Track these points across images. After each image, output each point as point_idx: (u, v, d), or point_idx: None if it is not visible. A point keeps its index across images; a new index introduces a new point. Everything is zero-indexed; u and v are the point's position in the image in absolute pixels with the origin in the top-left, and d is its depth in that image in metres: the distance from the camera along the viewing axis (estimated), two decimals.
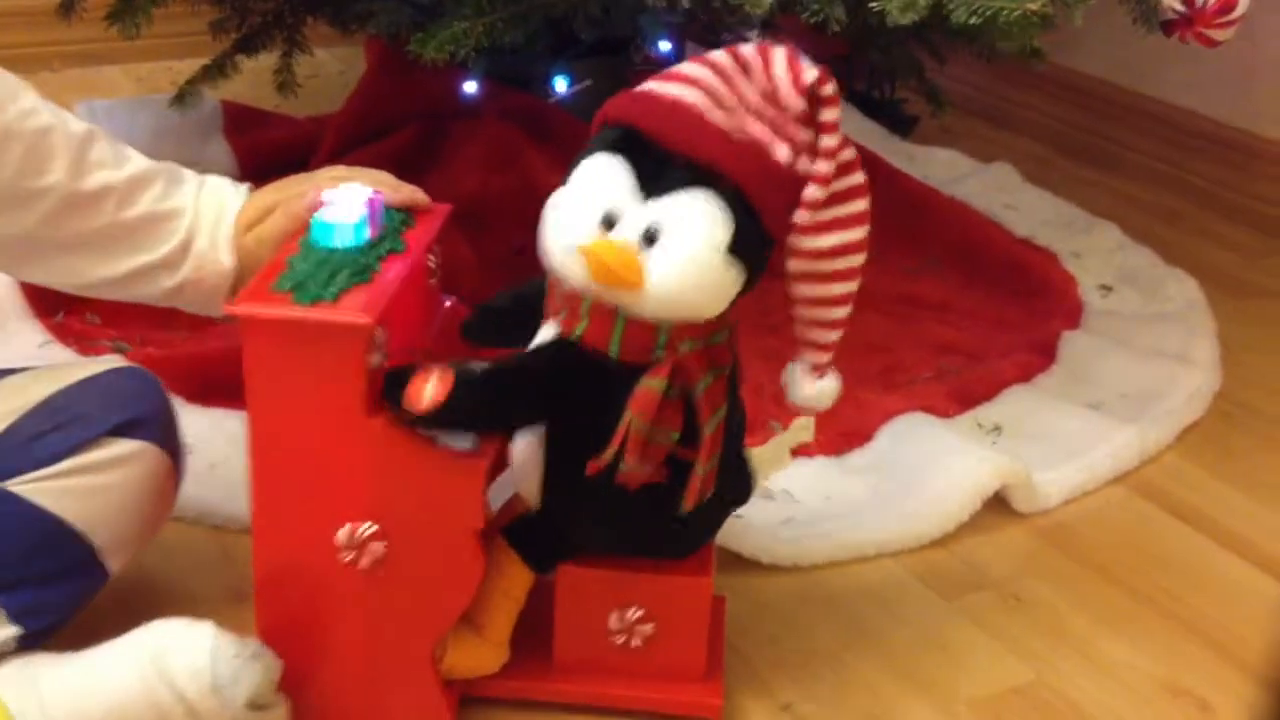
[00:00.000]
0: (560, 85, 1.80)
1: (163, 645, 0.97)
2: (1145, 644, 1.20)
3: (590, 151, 0.95)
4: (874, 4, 1.26)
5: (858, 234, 0.96)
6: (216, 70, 1.79)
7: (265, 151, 1.96)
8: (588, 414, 0.96)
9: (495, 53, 1.53)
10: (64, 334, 1.54)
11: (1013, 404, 1.53)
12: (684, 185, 0.91)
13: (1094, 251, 1.91)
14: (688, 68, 0.95)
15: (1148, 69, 2.30)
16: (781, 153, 0.93)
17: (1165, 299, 1.80)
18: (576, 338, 0.95)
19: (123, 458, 1.04)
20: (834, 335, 1.00)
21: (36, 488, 1.01)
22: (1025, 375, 1.59)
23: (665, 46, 1.63)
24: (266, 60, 1.88)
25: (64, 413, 1.03)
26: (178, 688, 0.96)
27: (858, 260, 0.97)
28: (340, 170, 1.11)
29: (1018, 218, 2.00)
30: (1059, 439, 1.46)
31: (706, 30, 1.71)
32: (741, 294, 0.95)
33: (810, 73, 0.92)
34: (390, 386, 0.95)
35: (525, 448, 1.00)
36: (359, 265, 0.96)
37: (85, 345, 1.52)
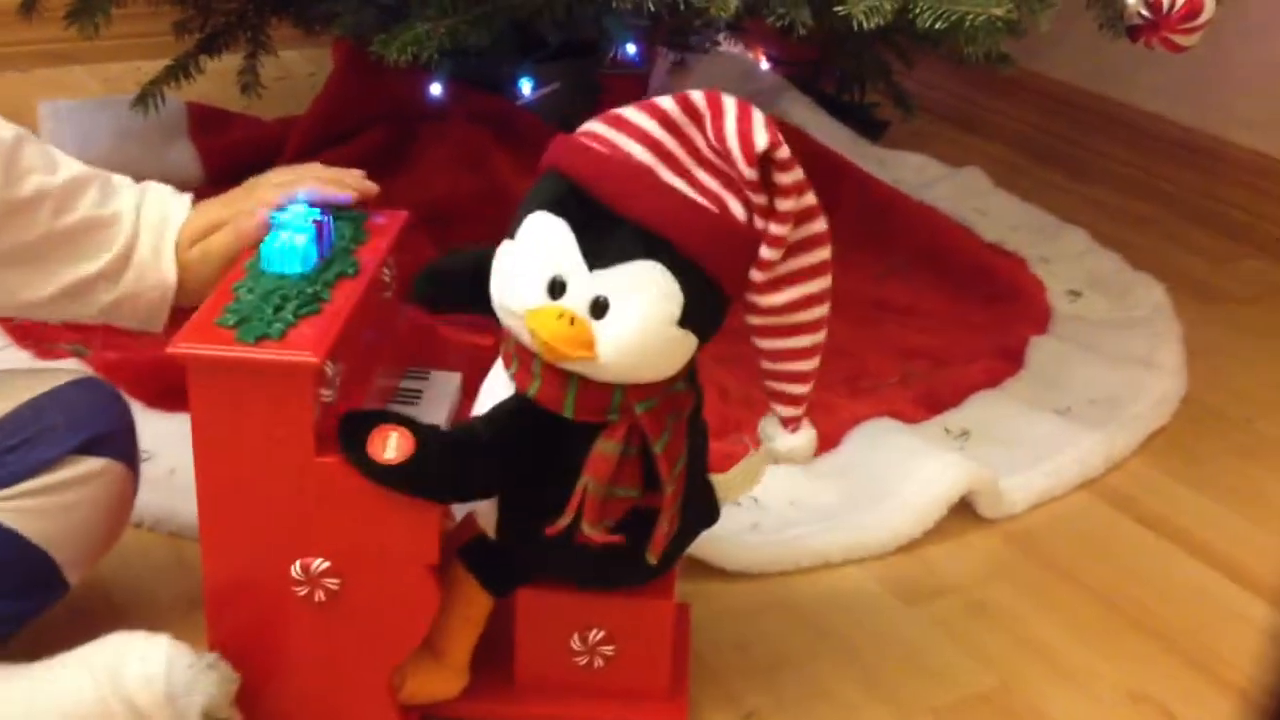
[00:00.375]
0: (526, 88, 1.79)
1: (117, 655, 0.96)
2: (1111, 651, 1.20)
3: (535, 204, 0.91)
4: (839, 8, 1.26)
5: (818, 285, 0.93)
6: (179, 71, 1.77)
7: (230, 153, 1.94)
8: (545, 471, 0.94)
9: (462, 55, 1.53)
10: (22, 336, 1.52)
11: (980, 409, 1.53)
12: (632, 255, 0.88)
13: (1062, 256, 1.92)
14: (637, 118, 0.90)
15: (1116, 75, 2.31)
16: (736, 209, 0.89)
17: (1133, 304, 1.80)
18: (531, 397, 0.93)
19: (87, 476, 1.03)
20: (802, 388, 0.98)
21: (1, 506, 1.00)
22: (993, 380, 1.59)
23: (631, 49, 1.62)
24: (235, 62, 1.87)
25: (27, 429, 1.02)
26: (130, 698, 0.95)
27: (820, 311, 0.95)
28: (285, 174, 1.07)
29: (987, 223, 2.00)
30: (1026, 444, 1.46)
31: (673, 34, 1.71)
32: (698, 351, 0.93)
33: (761, 138, 0.87)
34: (346, 436, 0.92)
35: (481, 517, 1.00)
36: (307, 295, 0.94)
37: (44, 349, 1.50)
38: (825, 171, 1.86)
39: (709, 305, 0.90)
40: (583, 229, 0.89)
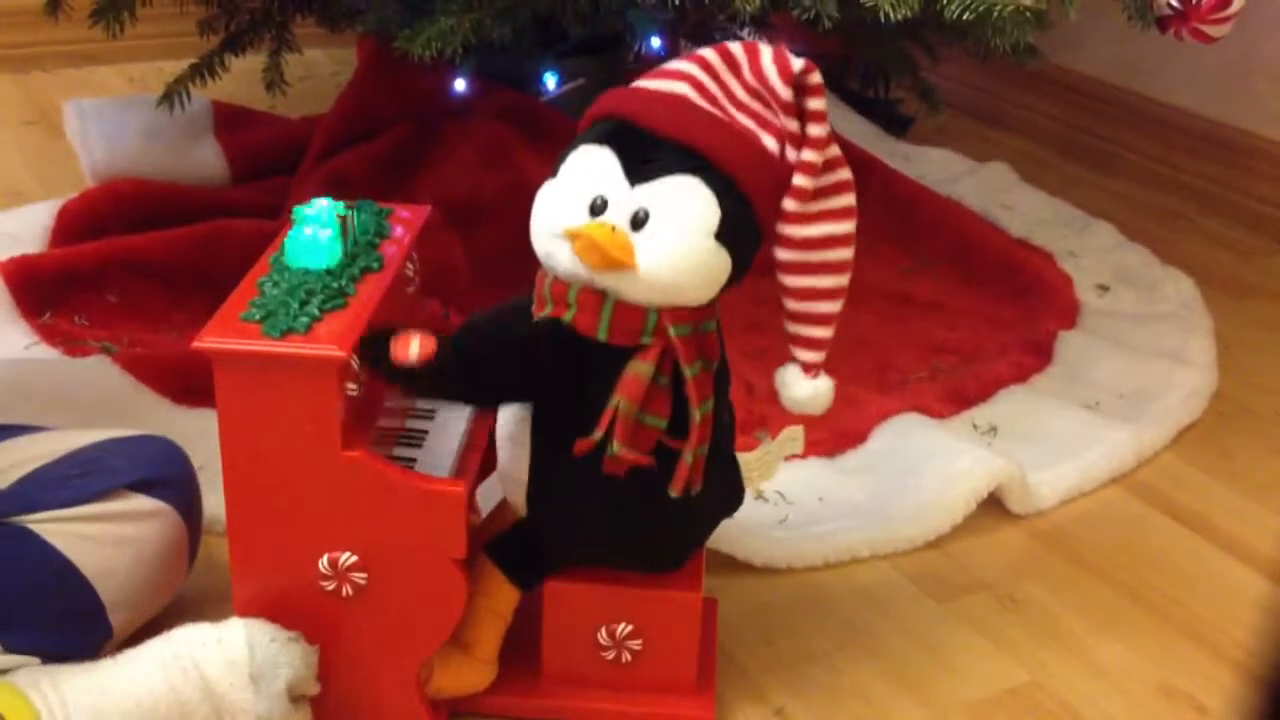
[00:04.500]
0: (551, 83, 1.79)
1: (190, 645, 0.96)
2: (1140, 646, 1.19)
3: (578, 143, 0.95)
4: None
5: (846, 226, 0.96)
6: (204, 69, 1.78)
7: (256, 151, 1.94)
8: (575, 396, 0.95)
9: (486, 51, 1.52)
10: (51, 335, 1.52)
11: (1008, 404, 1.52)
12: (673, 170, 0.91)
13: (1090, 251, 1.90)
14: (675, 63, 0.95)
15: (1144, 68, 2.29)
16: (769, 142, 0.93)
17: (1162, 299, 1.79)
18: (566, 322, 0.94)
19: (140, 512, 1.04)
20: (825, 331, 0.99)
21: (53, 528, 1.00)
22: (1021, 375, 1.58)
23: (656, 44, 1.62)
24: (259, 60, 1.87)
25: (92, 463, 1.05)
26: (210, 685, 0.94)
27: (846, 253, 0.97)
28: None
29: (1014, 217, 1.99)
30: (1054, 439, 1.45)
31: (698, 27, 1.70)
32: (730, 284, 0.95)
33: (797, 63, 0.92)
34: (370, 347, 0.93)
35: (512, 448, 0.99)
36: (332, 290, 0.95)
37: (72, 346, 1.50)
38: (851, 167, 1.85)
39: (744, 225, 0.93)
40: (625, 153, 0.92)
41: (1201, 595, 1.26)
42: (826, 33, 1.36)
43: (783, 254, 0.97)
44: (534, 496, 1.00)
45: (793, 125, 0.93)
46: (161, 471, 1.07)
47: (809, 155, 0.93)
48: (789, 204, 0.94)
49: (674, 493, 0.96)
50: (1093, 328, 1.69)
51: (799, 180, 0.93)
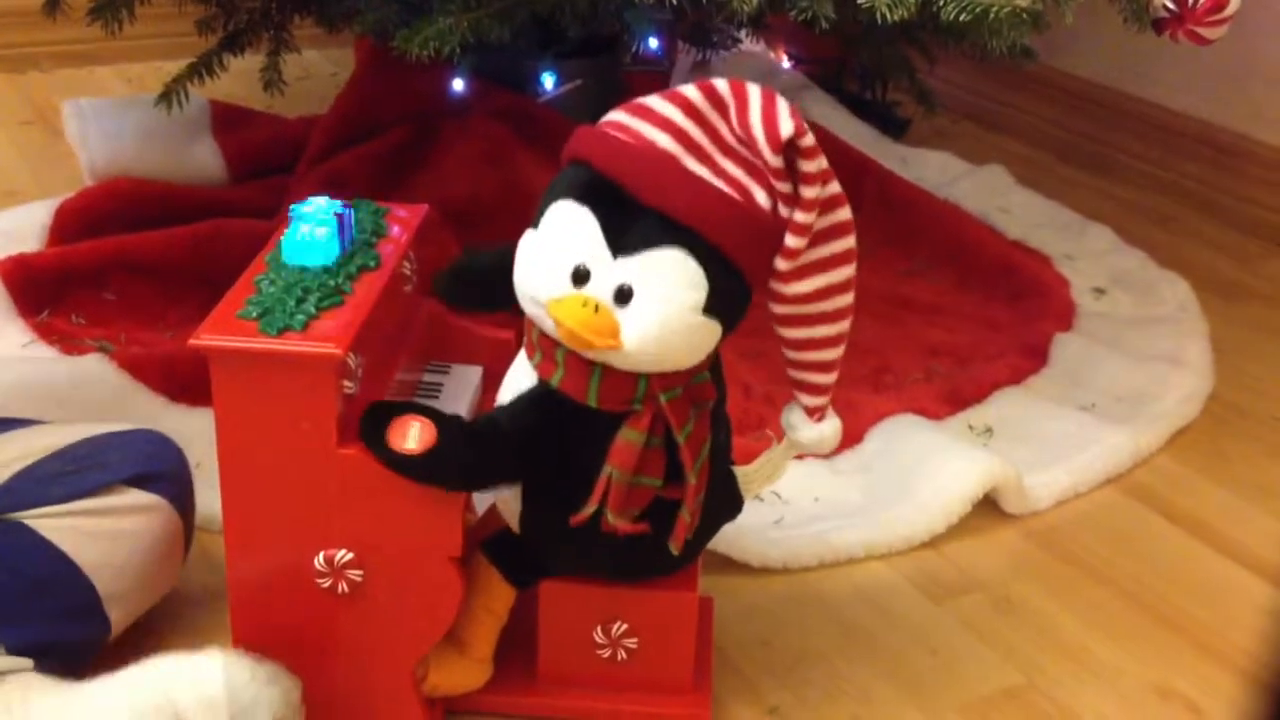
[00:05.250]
0: (549, 84, 1.79)
1: (166, 680, 0.93)
2: (1136, 647, 1.19)
3: (558, 194, 0.91)
4: (863, 1, 1.25)
5: (842, 274, 0.93)
6: (203, 69, 1.78)
7: (254, 151, 1.94)
8: (568, 461, 0.94)
9: (484, 51, 1.53)
10: (48, 333, 1.52)
11: (1004, 406, 1.52)
12: (656, 243, 0.87)
13: (1086, 254, 1.91)
14: (660, 106, 0.90)
15: (1140, 71, 2.30)
16: (760, 197, 0.89)
17: (1158, 301, 1.79)
18: (554, 386, 0.93)
19: (136, 507, 1.05)
20: (827, 378, 0.98)
21: (50, 523, 1.01)
22: (1017, 377, 1.58)
23: (654, 44, 1.62)
24: (257, 60, 1.87)
25: (86, 459, 1.05)
26: None
27: (844, 300, 0.94)
28: None
29: (1010, 220, 2.00)
30: (1050, 441, 1.45)
31: (695, 28, 1.70)
32: (722, 340, 0.93)
33: (786, 125, 0.87)
34: (367, 426, 0.92)
35: (503, 509, 1.00)
36: (329, 288, 0.94)
37: (69, 345, 1.50)
38: (847, 169, 1.86)
39: (733, 293, 0.90)
40: (607, 217, 0.88)
41: (1197, 597, 1.26)
42: (823, 34, 1.36)
43: (778, 309, 0.94)
44: (528, 531, 1.00)
45: (784, 187, 0.89)
46: (157, 466, 1.08)
47: (800, 216, 0.88)
48: (781, 264, 0.90)
49: (674, 549, 0.96)
50: (1089, 330, 1.70)
51: (790, 241, 0.89)
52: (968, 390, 1.54)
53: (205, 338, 0.91)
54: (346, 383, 0.92)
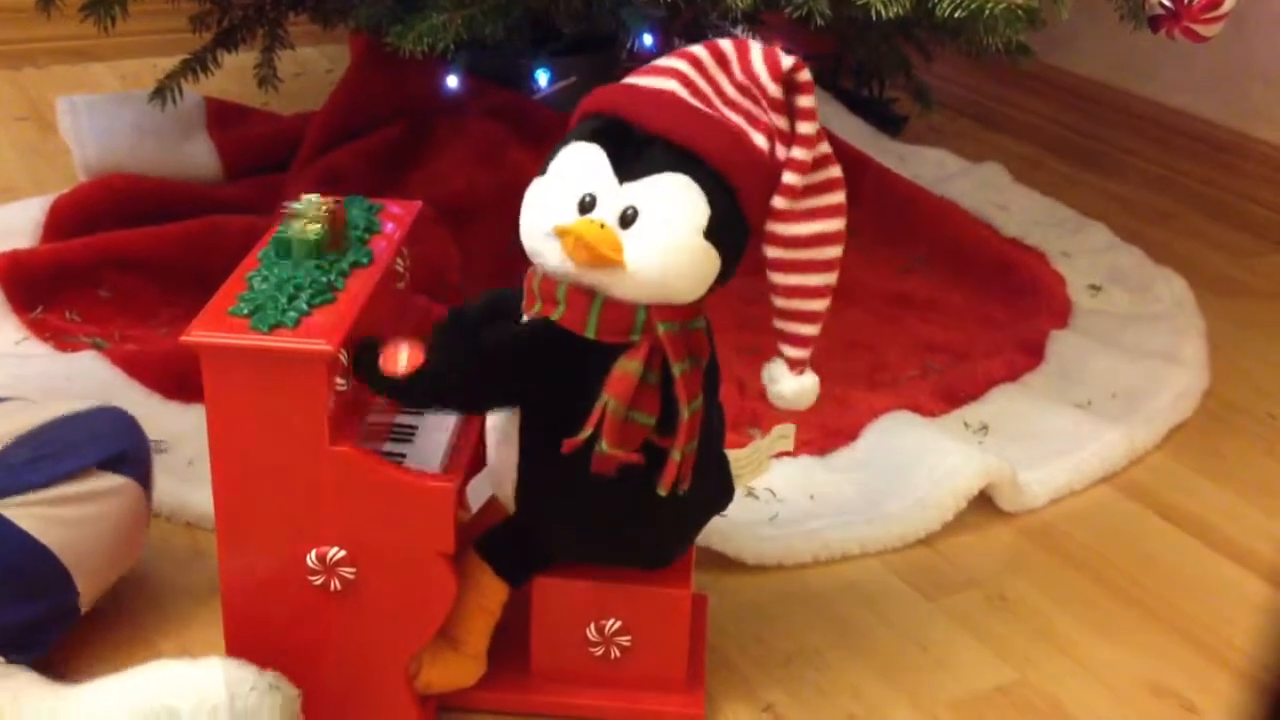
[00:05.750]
0: (543, 81, 1.79)
1: (167, 686, 0.93)
2: (1130, 644, 1.19)
3: (568, 140, 0.95)
4: None
5: (835, 224, 0.96)
6: (197, 66, 1.77)
7: (248, 148, 1.94)
8: (564, 395, 0.95)
9: (479, 49, 1.52)
10: (41, 330, 1.52)
11: (1000, 403, 1.52)
12: (662, 168, 0.91)
13: (1083, 251, 1.90)
14: (665, 60, 0.95)
15: (1138, 69, 2.29)
16: (759, 140, 0.93)
17: (1154, 299, 1.79)
18: (554, 320, 0.94)
19: (108, 491, 1.06)
20: (812, 329, 0.99)
21: (23, 512, 1.02)
22: (1013, 374, 1.58)
23: (649, 41, 1.62)
24: (252, 57, 1.87)
25: (53, 443, 1.06)
26: None
27: (835, 251, 0.97)
28: None
29: (1007, 217, 2.00)
30: (1046, 438, 1.45)
31: (690, 25, 1.70)
32: (719, 283, 0.95)
33: (787, 60, 0.92)
34: (360, 356, 0.94)
35: (501, 445, 0.99)
36: (321, 284, 0.94)
37: (63, 341, 1.50)
38: (845, 166, 1.85)
39: (733, 223, 0.93)
40: (614, 150, 0.93)
41: (1191, 594, 1.26)
42: (819, 31, 1.36)
43: (772, 251, 0.96)
44: (523, 493, 1.00)
45: (782, 122, 0.93)
46: (124, 447, 1.09)
47: (798, 153, 0.93)
48: (778, 202, 0.94)
49: (661, 491, 0.96)
50: (1085, 327, 1.69)
51: (788, 178, 0.93)
52: (963, 387, 1.54)
53: (197, 334, 0.91)
54: (338, 379, 0.92)
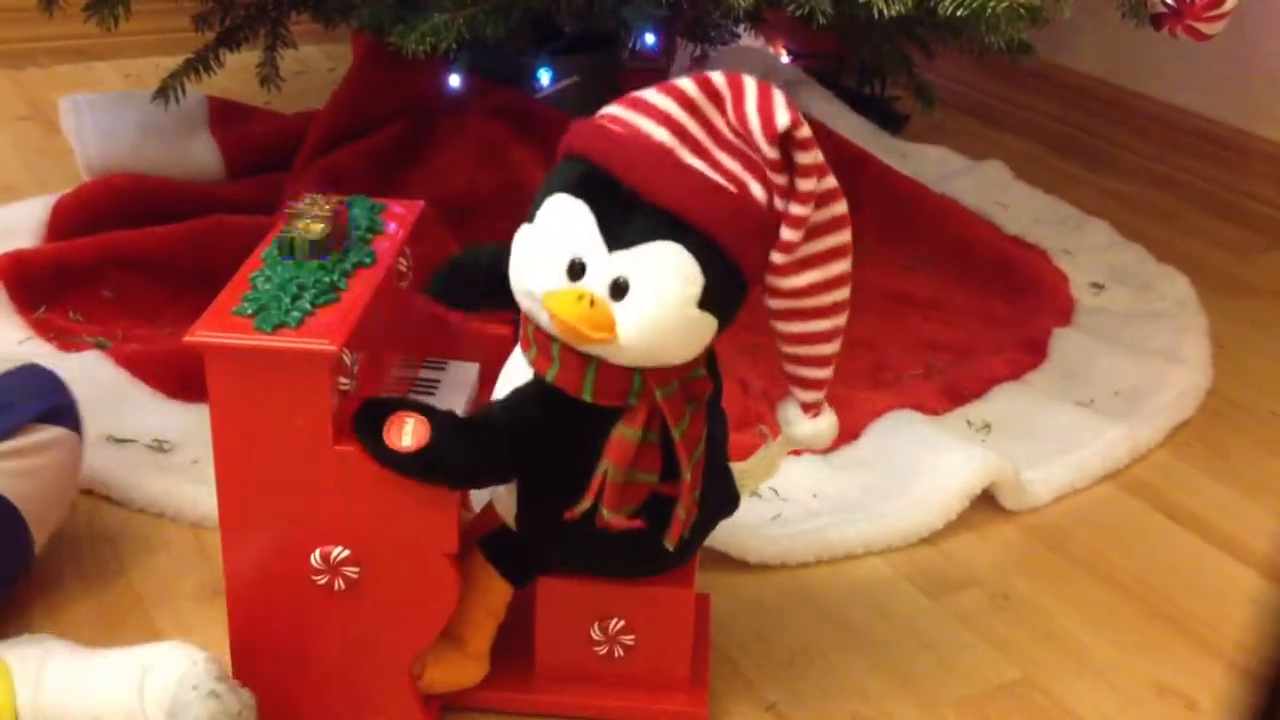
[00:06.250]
0: (545, 80, 1.79)
1: (150, 660, 0.97)
2: (1134, 643, 1.19)
3: (553, 187, 0.90)
4: None
5: (839, 268, 0.93)
6: (200, 65, 1.77)
7: (251, 147, 1.94)
8: (563, 456, 0.94)
9: (481, 48, 1.52)
10: (45, 330, 1.52)
11: (1002, 401, 1.52)
12: (652, 236, 0.87)
13: (1085, 249, 1.90)
14: (656, 99, 0.89)
15: (1139, 67, 2.29)
16: (756, 191, 0.89)
17: (1157, 297, 1.79)
18: (549, 381, 0.93)
19: (49, 442, 1.12)
20: (823, 372, 0.97)
21: None
22: (1015, 373, 1.58)
23: (650, 40, 1.62)
24: (256, 56, 1.87)
25: None
26: (147, 705, 0.95)
27: (841, 295, 0.94)
28: None
29: (1009, 215, 1.99)
30: (1049, 437, 1.45)
31: (692, 25, 1.70)
32: (718, 335, 0.92)
33: (783, 117, 0.87)
34: (362, 424, 0.92)
35: (501, 488, 0.99)
36: (324, 284, 0.94)
37: (66, 341, 1.50)
38: (846, 164, 1.86)
39: (729, 287, 0.89)
40: (602, 210, 0.88)
41: (1194, 592, 1.26)
42: (821, 29, 1.36)
43: (774, 303, 0.93)
44: (523, 527, 1.00)
45: (781, 180, 0.88)
46: (57, 400, 1.15)
47: (797, 209, 0.88)
48: (777, 257, 0.90)
49: (669, 545, 0.96)
50: (1087, 325, 1.69)
51: (786, 234, 0.89)
52: (966, 386, 1.54)
53: (201, 334, 0.91)
54: (342, 379, 0.92)
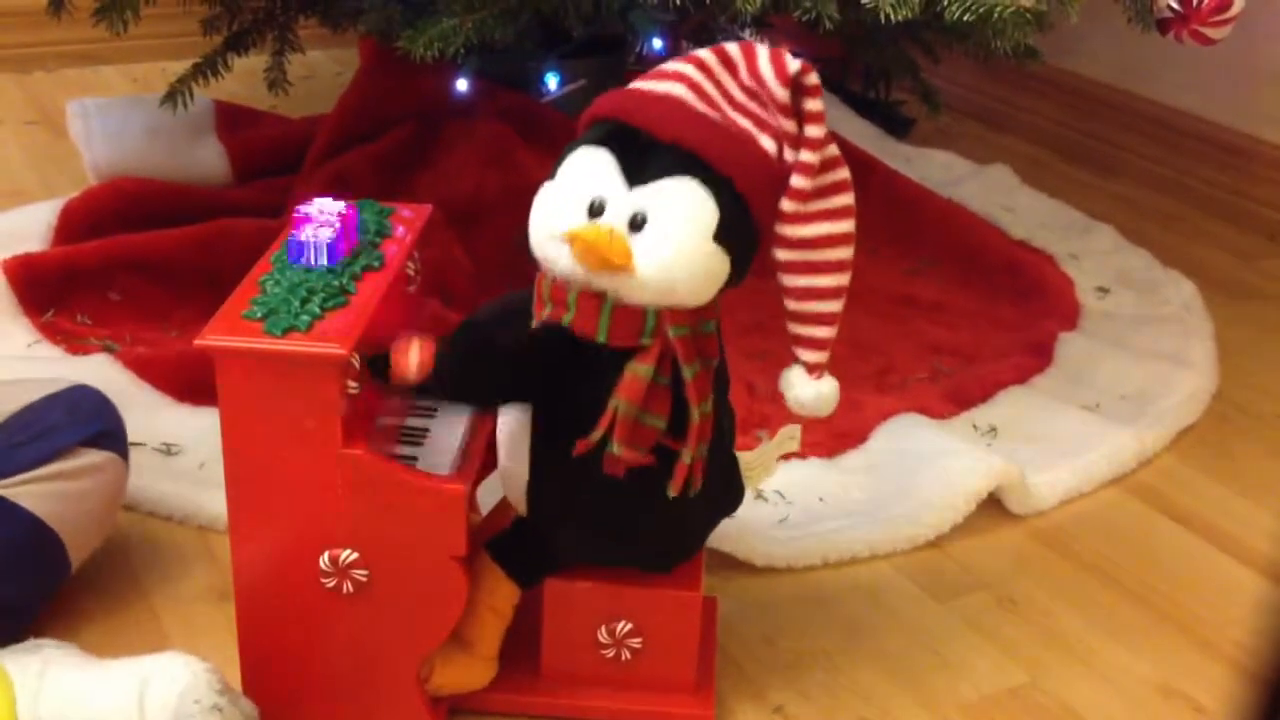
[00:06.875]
0: (552, 84, 1.79)
1: (152, 671, 0.97)
2: (1140, 646, 1.19)
3: (576, 145, 0.95)
4: (866, 1, 1.25)
5: (844, 225, 0.96)
6: (207, 69, 1.78)
7: (258, 151, 1.95)
8: (575, 398, 0.95)
9: (488, 52, 1.53)
10: (53, 333, 1.53)
11: (1009, 405, 1.52)
12: (670, 172, 0.91)
13: (1091, 253, 1.91)
14: (672, 64, 0.95)
15: (1145, 71, 2.29)
16: (766, 143, 0.93)
17: (1162, 301, 1.79)
18: (564, 325, 0.95)
19: (94, 466, 1.12)
20: (827, 331, 0.99)
21: (21, 490, 1.06)
22: (1021, 377, 1.58)
23: (658, 44, 1.62)
24: (263, 60, 1.87)
25: (36, 425, 1.10)
26: (147, 718, 0.95)
27: (846, 252, 0.97)
28: None
29: (1015, 220, 2.00)
30: (1055, 440, 1.45)
31: (699, 28, 1.70)
32: (729, 285, 0.95)
33: (794, 64, 0.92)
34: (374, 360, 0.94)
35: (512, 448, 1.00)
36: (333, 288, 0.95)
37: (75, 344, 1.51)
38: (852, 168, 1.84)
39: (742, 225, 0.93)
40: (623, 154, 0.92)
41: (1200, 596, 1.26)
42: (827, 34, 1.36)
43: (782, 254, 0.96)
44: (534, 495, 1.00)
45: (790, 126, 0.93)
46: (104, 424, 1.14)
47: (806, 156, 0.92)
48: (787, 205, 0.94)
49: (672, 493, 0.96)
50: (1093, 330, 1.70)
51: (796, 181, 0.93)
52: (972, 390, 1.54)
53: (211, 338, 0.91)
54: (351, 383, 0.92)
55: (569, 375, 0.95)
